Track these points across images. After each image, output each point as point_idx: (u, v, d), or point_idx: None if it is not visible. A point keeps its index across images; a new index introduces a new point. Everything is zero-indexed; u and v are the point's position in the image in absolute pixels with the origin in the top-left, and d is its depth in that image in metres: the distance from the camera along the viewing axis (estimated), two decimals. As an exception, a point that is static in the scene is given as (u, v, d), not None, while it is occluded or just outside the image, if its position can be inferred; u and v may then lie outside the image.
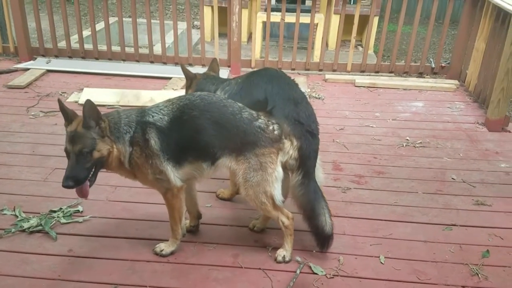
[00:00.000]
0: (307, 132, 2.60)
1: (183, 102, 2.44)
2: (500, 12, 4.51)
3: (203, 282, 2.46)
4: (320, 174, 2.81)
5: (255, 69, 3.13)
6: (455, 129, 4.49)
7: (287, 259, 2.61)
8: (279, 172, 2.46)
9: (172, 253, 2.63)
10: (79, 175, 2.24)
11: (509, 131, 4.41)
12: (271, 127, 2.44)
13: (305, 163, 2.58)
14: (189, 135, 2.40)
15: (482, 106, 4.90)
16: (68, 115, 2.27)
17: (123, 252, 2.65)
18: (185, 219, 2.78)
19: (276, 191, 2.47)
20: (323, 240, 2.64)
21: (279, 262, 2.60)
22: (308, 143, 2.59)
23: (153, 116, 2.39)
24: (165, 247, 2.63)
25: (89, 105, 2.23)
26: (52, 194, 3.15)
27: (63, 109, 2.27)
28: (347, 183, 3.47)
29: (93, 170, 2.30)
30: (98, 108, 2.28)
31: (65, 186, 2.23)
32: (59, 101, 2.29)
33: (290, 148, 2.53)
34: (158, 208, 2.88)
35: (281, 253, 2.62)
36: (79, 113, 2.31)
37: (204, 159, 2.44)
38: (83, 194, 2.32)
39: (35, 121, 4.28)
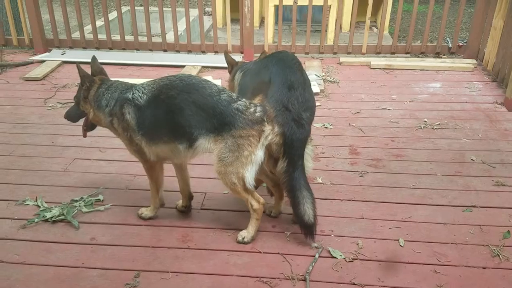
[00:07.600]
0: (292, 121, 2.52)
1: (163, 82, 2.53)
2: (519, -12, 4.39)
3: (223, 267, 2.49)
4: (309, 164, 2.74)
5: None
6: (473, 109, 4.42)
7: (246, 240, 2.63)
8: (257, 155, 2.42)
9: (150, 218, 2.82)
10: (70, 115, 2.84)
11: (530, 110, 4.33)
12: (251, 109, 2.41)
13: (288, 151, 2.54)
14: (164, 114, 2.46)
15: (501, 85, 4.80)
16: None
17: (145, 239, 2.69)
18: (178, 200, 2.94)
19: (248, 173, 2.44)
20: (303, 228, 2.61)
21: (239, 242, 2.63)
22: (292, 132, 2.52)
23: (133, 93, 2.55)
24: (145, 212, 2.83)
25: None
26: (73, 184, 3.21)
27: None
28: (365, 167, 3.45)
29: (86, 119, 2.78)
30: None
31: (64, 117, 2.88)
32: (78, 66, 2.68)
33: (270, 133, 2.46)
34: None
35: (242, 233, 2.65)
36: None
37: (180, 140, 2.47)
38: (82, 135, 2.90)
39: (53, 112, 4.33)
